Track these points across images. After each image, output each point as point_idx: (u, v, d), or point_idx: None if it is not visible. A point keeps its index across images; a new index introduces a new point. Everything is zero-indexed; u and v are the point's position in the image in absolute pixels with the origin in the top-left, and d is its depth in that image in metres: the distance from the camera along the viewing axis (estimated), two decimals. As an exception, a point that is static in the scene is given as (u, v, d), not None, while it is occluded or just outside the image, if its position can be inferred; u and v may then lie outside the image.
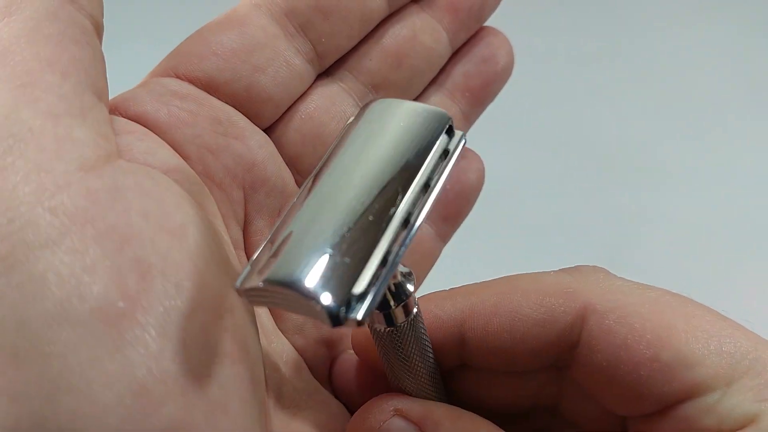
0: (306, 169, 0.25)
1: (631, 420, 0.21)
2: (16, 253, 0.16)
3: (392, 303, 0.20)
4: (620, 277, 0.22)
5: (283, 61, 0.25)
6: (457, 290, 0.22)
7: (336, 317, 0.16)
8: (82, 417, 0.15)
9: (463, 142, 0.20)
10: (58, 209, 0.16)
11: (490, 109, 0.30)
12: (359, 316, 0.16)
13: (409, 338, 0.21)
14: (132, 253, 0.17)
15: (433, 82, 0.29)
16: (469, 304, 0.22)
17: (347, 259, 0.17)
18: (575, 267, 0.22)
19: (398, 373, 0.22)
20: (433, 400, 0.22)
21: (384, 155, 0.19)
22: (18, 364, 0.15)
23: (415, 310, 0.21)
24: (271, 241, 0.18)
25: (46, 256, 0.16)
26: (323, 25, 0.25)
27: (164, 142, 0.22)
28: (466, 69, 0.29)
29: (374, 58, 0.27)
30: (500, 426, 0.21)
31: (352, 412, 0.23)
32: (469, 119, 0.29)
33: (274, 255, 0.17)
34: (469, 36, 0.29)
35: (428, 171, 0.19)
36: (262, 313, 0.23)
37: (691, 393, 0.19)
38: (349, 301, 0.16)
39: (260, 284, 0.17)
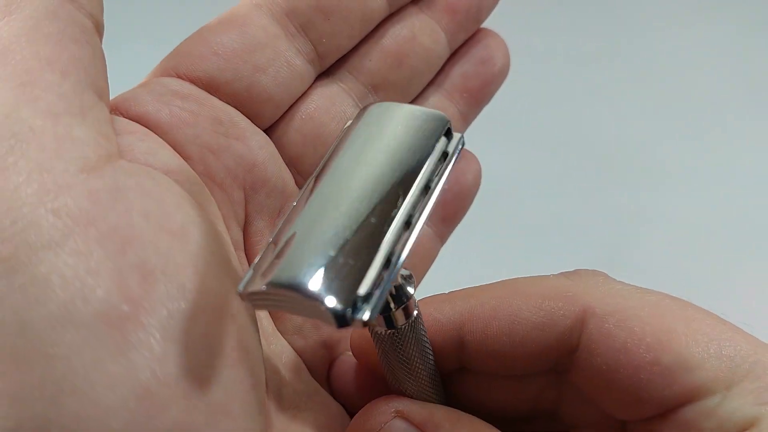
0: (306, 169, 0.25)
1: (631, 424, 0.21)
2: (19, 255, 0.16)
3: (393, 305, 0.20)
4: (620, 281, 0.22)
5: (284, 61, 0.25)
6: (456, 293, 0.22)
7: (342, 318, 0.16)
8: (85, 419, 0.15)
9: (461, 144, 0.20)
10: (61, 210, 0.16)
11: (489, 108, 0.30)
12: (365, 316, 0.16)
13: (409, 340, 0.21)
14: (134, 254, 0.17)
15: (432, 82, 0.29)
16: (468, 307, 0.22)
17: (351, 261, 0.17)
18: (575, 271, 0.22)
19: (398, 376, 0.22)
20: (433, 402, 0.22)
21: (384, 158, 0.19)
22: (21, 366, 0.15)
23: (415, 312, 0.21)
24: (274, 243, 0.18)
25: (50, 258, 0.16)
26: (324, 25, 0.25)
27: (165, 143, 0.22)
28: (464, 70, 0.29)
29: (374, 58, 0.27)
30: (500, 430, 0.20)
31: (350, 414, 0.23)
32: (467, 119, 0.29)
33: (277, 257, 0.17)
34: (467, 37, 0.29)
35: (428, 173, 0.19)
36: (261, 315, 0.23)
37: (691, 396, 0.19)
38: (354, 302, 0.16)
39: (264, 288, 0.17)
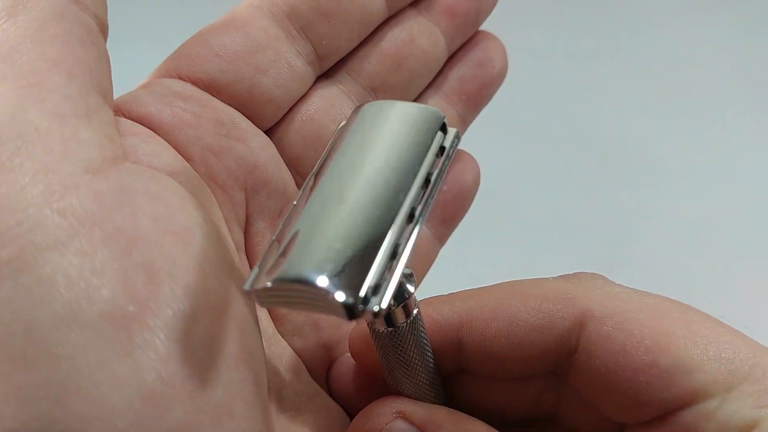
0: (306, 170, 0.25)
1: (630, 427, 0.21)
2: (25, 255, 0.16)
3: (393, 303, 0.20)
4: (618, 284, 0.22)
5: (285, 62, 0.25)
6: (456, 295, 0.22)
7: (351, 310, 0.16)
8: (90, 420, 0.15)
9: (458, 138, 0.21)
10: (67, 211, 0.16)
11: (488, 107, 0.30)
12: (376, 307, 0.17)
13: (408, 339, 0.21)
14: (139, 255, 0.17)
15: (430, 85, 0.29)
16: (467, 309, 0.22)
17: (358, 253, 0.17)
18: (574, 273, 0.22)
19: (397, 375, 0.22)
20: (432, 402, 0.22)
21: (384, 152, 0.19)
22: (26, 366, 0.15)
23: (415, 311, 0.21)
24: (277, 242, 0.18)
25: (55, 258, 0.16)
26: (324, 26, 0.25)
27: (168, 145, 0.22)
28: (462, 73, 0.29)
29: (373, 61, 0.27)
30: (499, 432, 0.21)
31: (349, 415, 0.23)
32: (465, 122, 0.30)
33: (283, 254, 0.17)
34: (466, 40, 0.29)
35: (427, 166, 0.19)
36: (262, 316, 0.23)
37: (690, 399, 0.19)
38: (363, 294, 0.16)
39: (271, 283, 0.17)
